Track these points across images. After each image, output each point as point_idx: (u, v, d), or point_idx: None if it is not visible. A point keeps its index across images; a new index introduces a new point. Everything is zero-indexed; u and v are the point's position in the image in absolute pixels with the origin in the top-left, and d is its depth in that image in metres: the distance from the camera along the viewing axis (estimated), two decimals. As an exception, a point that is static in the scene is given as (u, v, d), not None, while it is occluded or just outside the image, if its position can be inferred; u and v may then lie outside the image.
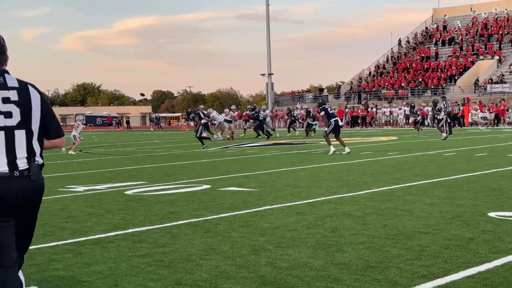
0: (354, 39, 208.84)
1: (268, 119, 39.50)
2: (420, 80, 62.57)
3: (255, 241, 6.93)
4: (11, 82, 3.90)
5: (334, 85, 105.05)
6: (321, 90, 77.15)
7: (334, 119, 20.66)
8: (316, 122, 38.80)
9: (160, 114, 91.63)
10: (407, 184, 11.72)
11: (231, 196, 10.72)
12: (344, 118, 53.98)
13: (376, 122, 56.16)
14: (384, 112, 55.49)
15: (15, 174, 3.74)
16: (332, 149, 20.08)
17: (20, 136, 3.82)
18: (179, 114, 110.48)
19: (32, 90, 3.94)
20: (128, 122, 76.89)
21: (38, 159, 3.91)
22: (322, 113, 20.89)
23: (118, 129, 72.44)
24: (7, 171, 3.72)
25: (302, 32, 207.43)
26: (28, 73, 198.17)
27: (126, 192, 11.62)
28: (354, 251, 6.31)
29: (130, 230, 7.84)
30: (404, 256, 6.06)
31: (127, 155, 22.30)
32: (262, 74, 71.63)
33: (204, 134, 26.80)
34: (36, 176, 3.84)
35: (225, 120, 35.16)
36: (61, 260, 6.31)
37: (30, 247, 6.82)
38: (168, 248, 6.75)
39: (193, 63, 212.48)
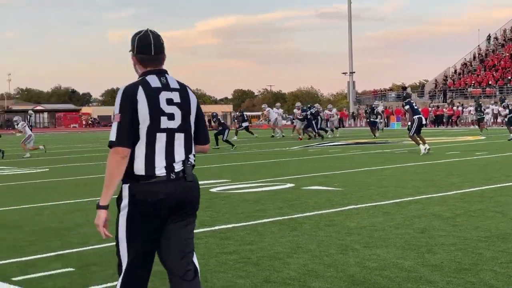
0: (437, 37, 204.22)
1: (333, 118, 38.60)
2: (509, 78, 60.45)
3: (342, 240, 6.88)
4: (173, 83, 3.80)
5: (417, 84, 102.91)
6: (404, 88, 75.84)
7: (418, 116, 20.04)
8: (381, 120, 37.62)
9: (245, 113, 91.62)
10: (498, 185, 11.34)
11: (315, 195, 10.68)
12: (428, 117, 52.81)
13: (462, 121, 54.67)
14: (470, 111, 53.91)
15: (171, 177, 3.63)
16: (423, 148, 19.44)
17: (179, 139, 3.70)
18: (259, 113, 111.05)
19: (190, 93, 3.86)
20: (210, 121, 78.00)
21: (191, 160, 3.81)
22: (407, 107, 20.35)
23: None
24: (165, 174, 3.61)
25: (384, 30, 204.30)
26: (114, 73, 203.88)
27: (211, 190, 11.77)
28: (445, 253, 6.16)
29: (217, 227, 7.94)
30: (499, 259, 5.87)
31: (209, 154, 22.58)
32: (343, 73, 71.10)
33: (235, 138, 27.39)
34: (191, 177, 3.74)
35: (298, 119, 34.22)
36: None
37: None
38: (255, 245, 6.78)
39: (274, 62, 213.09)
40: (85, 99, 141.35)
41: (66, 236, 7.64)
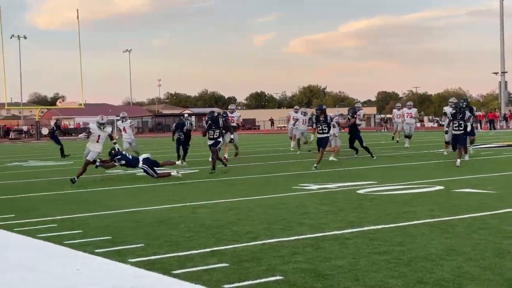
0: None
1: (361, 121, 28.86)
2: None
3: (499, 244, 6.65)
4: None
5: None
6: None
7: None
8: None
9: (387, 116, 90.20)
10: None
11: (467, 198, 10.37)
12: None
13: None
14: None
15: None
16: None
17: None
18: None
19: None
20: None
21: None
22: None
23: (343, 130, 73.41)
24: None
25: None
26: (258, 78, 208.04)
27: (358, 191, 11.75)
28: None
29: (365, 228, 7.94)
30: None
31: (352, 156, 22.48)
32: (494, 73, 68.03)
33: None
34: None
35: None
36: (302, 253, 6.58)
37: (272, 240, 7.24)
38: (406, 247, 6.72)
39: (420, 63, 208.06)
40: (230, 103, 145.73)
41: (219, 233, 7.96)
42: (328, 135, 17.81)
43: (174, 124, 20.92)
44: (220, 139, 17.50)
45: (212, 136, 17.24)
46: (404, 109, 27.42)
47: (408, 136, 26.73)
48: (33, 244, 7.66)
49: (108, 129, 15.80)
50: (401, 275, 5.54)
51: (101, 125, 15.51)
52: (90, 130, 15.77)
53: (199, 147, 28.66)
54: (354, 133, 21.35)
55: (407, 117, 26.65)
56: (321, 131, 17.59)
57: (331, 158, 20.38)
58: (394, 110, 28.85)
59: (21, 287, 5.72)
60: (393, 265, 5.94)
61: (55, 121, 33.54)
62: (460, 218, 8.41)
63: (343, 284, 5.37)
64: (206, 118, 17.66)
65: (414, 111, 27.42)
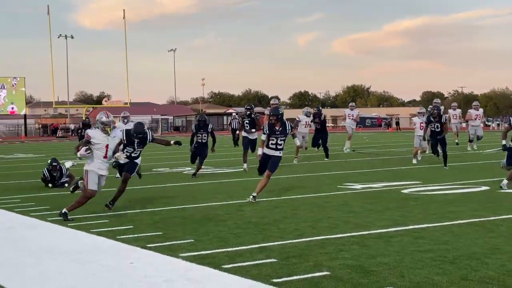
0: None
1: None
2: None
3: (543, 244, 6.73)
4: None
5: None
6: None
7: None
8: None
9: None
10: None
11: (511, 198, 10.40)
12: None
13: None
14: None
15: None
16: None
17: None
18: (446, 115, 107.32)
19: None
20: (397, 123, 76.85)
21: None
22: None
23: (387, 130, 72.73)
24: None
25: None
26: (301, 77, 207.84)
27: (403, 191, 11.84)
28: None
29: (410, 227, 8.06)
30: None
31: (399, 155, 22.46)
32: (542, 72, 66.79)
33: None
34: None
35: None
36: (348, 250, 6.76)
37: (318, 237, 7.42)
38: (450, 245, 6.84)
39: (465, 62, 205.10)
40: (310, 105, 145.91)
41: (266, 230, 8.18)
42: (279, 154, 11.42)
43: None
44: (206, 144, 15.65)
45: (200, 141, 15.55)
46: (457, 110, 25.43)
47: (471, 140, 24.42)
48: (87, 239, 7.99)
49: (118, 133, 11.27)
50: (446, 272, 5.68)
51: (105, 126, 9.70)
52: (91, 139, 9.61)
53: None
54: (322, 132, 21.56)
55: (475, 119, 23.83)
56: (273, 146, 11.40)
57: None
58: (450, 111, 25.57)
59: (80, 278, 6.03)
60: (438, 262, 6.07)
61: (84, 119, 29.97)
62: (505, 218, 8.47)
63: (388, 280, 5.53)
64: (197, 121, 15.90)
65: (458, 112, 25.73)
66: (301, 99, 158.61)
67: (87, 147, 9.57)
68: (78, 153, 9.55)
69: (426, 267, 5.93)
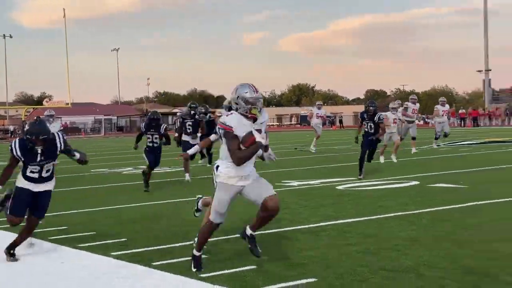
0: None
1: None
2: None
3: (458, 236, 7.07)
4: None
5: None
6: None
7: None
8: None
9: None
10: None
11: (439, 192, 10.78)
12: None
13: None
14: None
15: None
16: None
17: None
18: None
19: None
20: (341, 121, 78.00)
21: None
22: None
23: (331, 128, 73.75)
24: None
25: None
26: (248, 76, 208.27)
27: (338, 187, 12.14)
28: None
29: (339, 221, 8.32)
30: None
31: (339, 153, 22.86)
32: (478, 71, 68.81)
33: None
34: None
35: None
36: (278, 245, 6.98)
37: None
38: (375, 238, 7.13)
39: (408, 61, 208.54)
40: (219, 101, 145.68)
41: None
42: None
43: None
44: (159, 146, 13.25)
45: (151, 144, 13.14)
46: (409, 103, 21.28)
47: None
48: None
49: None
50: (368, 264, 5.94)
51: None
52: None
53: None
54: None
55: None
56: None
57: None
58: (438, 106, 22.77)
59: (9, 277, 6.04)
60: (362, 254, 6.35)
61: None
62: (428, 211, 8.83)
63: (314, 272, 5.75)
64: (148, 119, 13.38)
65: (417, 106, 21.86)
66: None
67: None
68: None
69: (350, 259, 6.18)
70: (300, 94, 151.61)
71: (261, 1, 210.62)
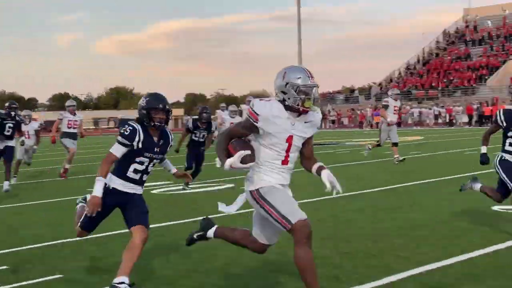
0: (387, 40, 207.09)
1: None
2: (451, 79, 62.26)
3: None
4: None
5: (367, 86, 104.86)
6: (352, 91, 77.36)
7: None
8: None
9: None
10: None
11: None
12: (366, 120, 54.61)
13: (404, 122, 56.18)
14: (413, 112, 55.54)
15: None
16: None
17: None
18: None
19: None
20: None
21: None
22: None
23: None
24: None
25: (335, 33, 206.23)
26: (62, 77, 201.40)
27: (152, 191, 12.14)
28: (357, 243, 6.71)
29: (152, 226, 8.28)
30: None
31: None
32: (295, 76, 72.04)
33: None
34: None
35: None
36: (84, 253, 6.84)
37: (56, 242, 7.35)
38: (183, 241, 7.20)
39: (226, 65, 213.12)
40: (31, 104, 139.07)
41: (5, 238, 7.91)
42: None
43: None
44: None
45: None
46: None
47: None
48: None
49: None
50: (174, 267, 6.09)
51: None
52: None
53: None
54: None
55: None
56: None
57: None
58: (389, 99, 18.10)
59: None
60: (166, 256, 6.45)
61: None
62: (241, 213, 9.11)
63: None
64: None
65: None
66: (62, 101, 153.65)
67: None
68: None
69: (155, 260, 6.35)
70: (118, 97, 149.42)
71: (76, 1, 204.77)
